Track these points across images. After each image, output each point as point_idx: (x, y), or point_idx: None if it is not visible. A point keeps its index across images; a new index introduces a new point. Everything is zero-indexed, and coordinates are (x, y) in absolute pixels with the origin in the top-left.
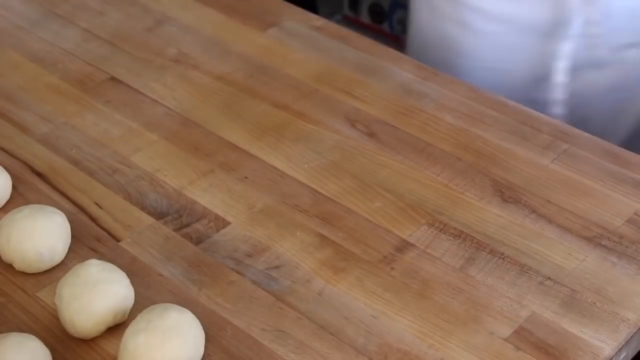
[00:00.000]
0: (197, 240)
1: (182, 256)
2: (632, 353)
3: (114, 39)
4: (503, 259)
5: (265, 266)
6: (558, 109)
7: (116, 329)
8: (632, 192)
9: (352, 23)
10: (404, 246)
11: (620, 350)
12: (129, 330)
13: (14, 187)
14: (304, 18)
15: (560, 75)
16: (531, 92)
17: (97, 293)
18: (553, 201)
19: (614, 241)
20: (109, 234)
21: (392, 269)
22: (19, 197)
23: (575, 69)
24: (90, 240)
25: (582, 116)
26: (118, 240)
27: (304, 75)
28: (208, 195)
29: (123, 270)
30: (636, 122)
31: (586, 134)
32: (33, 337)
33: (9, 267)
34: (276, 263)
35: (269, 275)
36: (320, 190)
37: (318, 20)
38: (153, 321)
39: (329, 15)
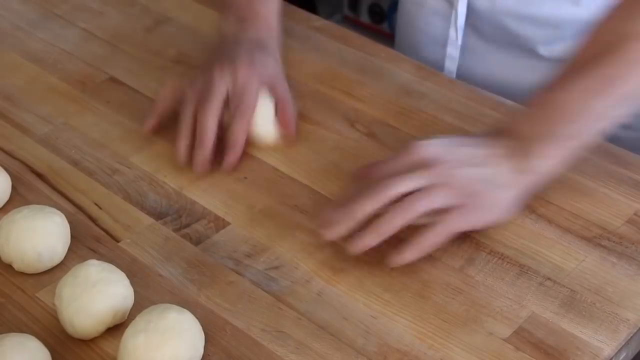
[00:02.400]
0: (197, 241)
1: (181, 256)
2: (632, 353)
3: (113, 39)
4: (503, 259)
5: (264, 266)
6: None
7: (116, 329)
8: (632, 192)
9: (352, 23)
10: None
11: (619, 350)
12: (129, 331)
13: (13, 187)
14: (304, 18)
15: None
16: None
17: (97, 293)
18: (553, 201)
19: (614, 241)
20: (109, 234)
21: (392, 269)
22: (18, 198)
23: None
24: (89, 240)
25: None
26: (117, 241)
27: (303, 76)
28: (207, 196)
29: (122, 271)
30: None
31: None
32: (33, 337)
33: (9, 267)
34: (276, 263)
35: (269, 276)
36: (320, 191)
37: (318, 20)
38: (152, 321)
39: (329, 15)
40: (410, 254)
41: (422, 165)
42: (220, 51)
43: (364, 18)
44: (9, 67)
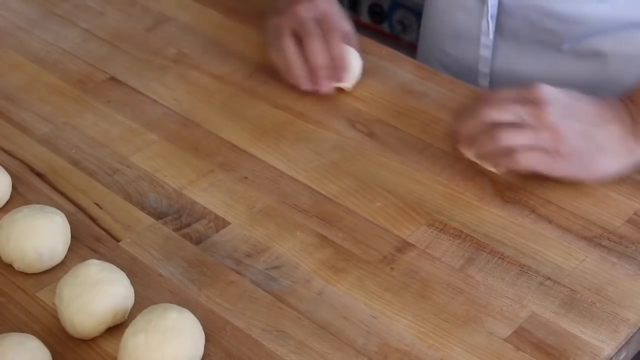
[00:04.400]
0: (197, 241)
1: (181, 256)
2: (632, 353)
3: (114, 39)
4: (503, 259)
5: (265, 266)
6: None
7: (116, 329)
8: (632, 192)
9: (352, 23)
10: (403, 246)
11: (620, 350)
12: (129, 330)
13: (14, 187)
14: None
15: None
16: None
17: (97, 293)
18: (553, 201)
19: (614, 241)
20: (109, 234)
21: (392, 269)
22: (19, 197)
23: None
24: (90, 240)
25: None
26: (118, 241)
27: None
28: (208, 196)
29: (123, 270)
30: None
31: None
32: (33, 337)
33: (9, 267)
34: (276, 263)
35: (269, 275)
36: (320, 190)
37: None
38: (153, 321)
39: None
40: (482, 159)
41: (532, 102)
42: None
43: (364, 18)
44: (9, 67)
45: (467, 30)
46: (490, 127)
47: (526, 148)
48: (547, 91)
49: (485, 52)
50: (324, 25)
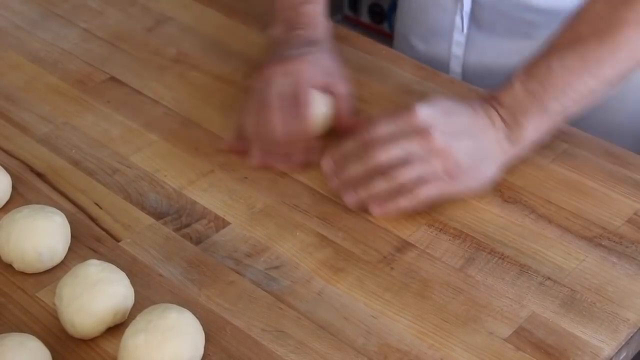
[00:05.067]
0: (197, 241)
1: (181, 256)
2: (632, 353)
3: (114, 39)
4: (503, 259)
5: (264, 266)
6: None
7: (116, 329)
8: (632, 192)
9: (352, 23)
10: (403, 246)
11: (620, 350)
12: (129, 330)
13: (14, 187)
14: None
15: None
16: None
17: (97, 293)
18: (553, 201)
19: (614, 241)
20: (109, 234)
21: (392, 269)
22: (19, 197)
23: None
24: (90, 240)
25: None
26: (118, 241)
27: None
28: (208, 196)
29: (123, 270)
30: None
31: (586, 134)
32: (33, 337)
33: (9, 267)
34: (276, 263)
35: (269, 275)
36: (320, 190)
37: None
38: (153, 321)
39: (329, 15)
40: (381, 209)
41: (416, 132)
42: (271, 55)
43: (364, 18)
44: (9, 67)
45: (440, 26)
46: (376, 169)
47: (420, 181)
48: (426, 114)
49: (457, 50)
50: (290, 98)
